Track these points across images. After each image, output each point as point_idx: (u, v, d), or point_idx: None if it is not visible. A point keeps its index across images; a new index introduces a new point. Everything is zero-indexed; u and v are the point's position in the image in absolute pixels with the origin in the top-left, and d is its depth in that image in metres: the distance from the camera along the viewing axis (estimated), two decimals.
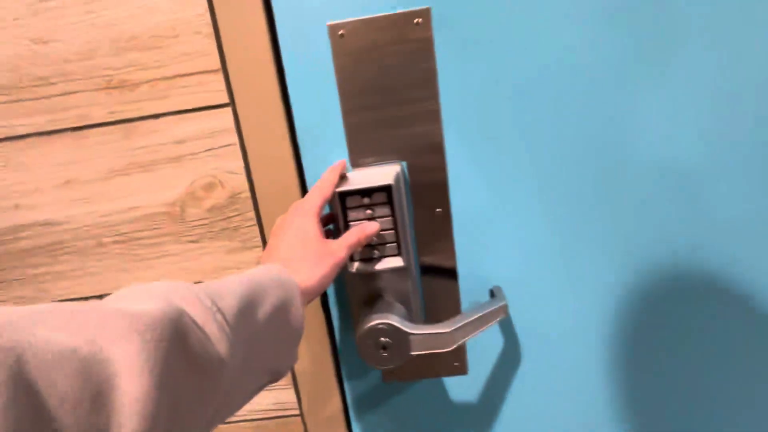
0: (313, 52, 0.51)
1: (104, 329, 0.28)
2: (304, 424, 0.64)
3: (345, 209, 0.51)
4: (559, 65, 0.50)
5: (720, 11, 0.48)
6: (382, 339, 0.48)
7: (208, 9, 0.50)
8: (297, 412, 0.64)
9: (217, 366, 0.33)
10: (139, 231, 0.58)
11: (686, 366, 0.59)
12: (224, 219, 0.57)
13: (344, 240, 0.48)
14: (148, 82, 0.53)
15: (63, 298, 0.61)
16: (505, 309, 0.52)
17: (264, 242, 0.58)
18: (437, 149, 0.53)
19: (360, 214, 0.51)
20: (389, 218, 0.51)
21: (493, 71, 0.51)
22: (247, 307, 0.38)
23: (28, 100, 0.54)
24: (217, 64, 0.52)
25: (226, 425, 0.66)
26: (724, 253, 0.54)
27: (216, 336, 0.34)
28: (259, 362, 0.39)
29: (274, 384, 0.51)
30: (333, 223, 0.55)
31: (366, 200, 0.50)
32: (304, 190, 0.56)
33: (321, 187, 0.49)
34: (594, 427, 0.62)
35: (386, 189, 0.50)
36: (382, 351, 0.49)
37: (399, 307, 0.52)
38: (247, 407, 0.64)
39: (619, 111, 0.51)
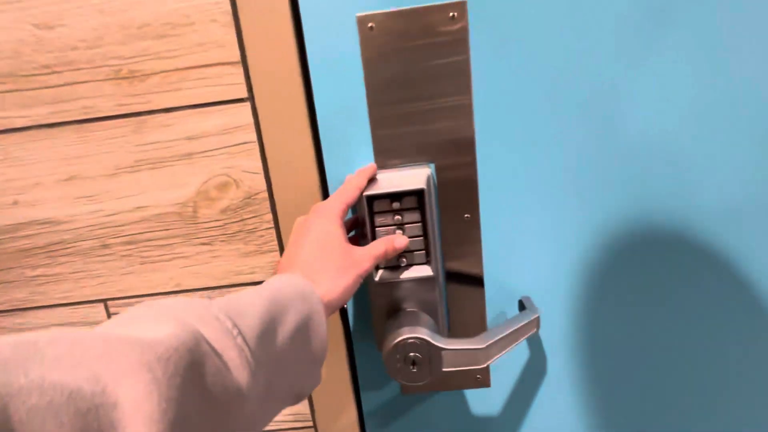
0: (340, 46, 0.48)
1: (110, 363, 0.24)
2: None
3: (372, 214, 0.47)
4: (596, 61, 0.47)
5: None
6: (412, 354, 0.45)
7: None
8: (311, 424, 0.61)
9: (236, 399, 0.30)
10: (147, 232, 0.54)
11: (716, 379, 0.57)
12: (239, 221, 0.54)
13: (370, 250, 0.44)
14: (159, 73, 0.49)
15: (62, 302, 0.57)
16: (537, 322, 0.49)
17: (281, 247, 0.55)
18: (468, 146, 0.50)
19: (388, 219, 0.48)
20: (418, 224, 0.48)
21: (527, 67, 0.48)
22: (270, 325, 0.34)
23: (30, 89, 0.50)
24: (236, 56, 0.48)
25: None
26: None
27: (235, 363, 0.31)
28: (280, 388, 0.36)
29: None
30: (356, 229, 0.52)
31: (396, 205, 0.47)
32: (325, 193, 0.53)
33: (346, 190, 0.46)
34: None
35: (418, 193, 0.47)
36: (411, 367, 0.46)
37: (427, 318, 0.49)
38: None
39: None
